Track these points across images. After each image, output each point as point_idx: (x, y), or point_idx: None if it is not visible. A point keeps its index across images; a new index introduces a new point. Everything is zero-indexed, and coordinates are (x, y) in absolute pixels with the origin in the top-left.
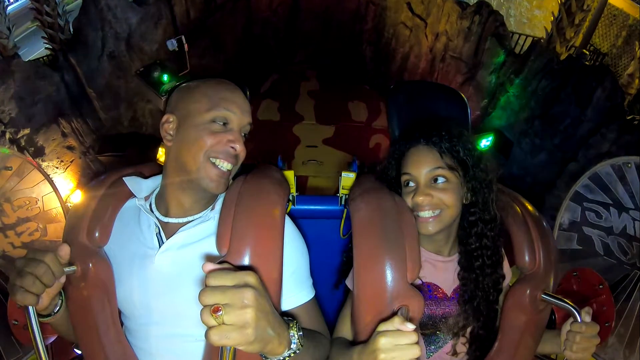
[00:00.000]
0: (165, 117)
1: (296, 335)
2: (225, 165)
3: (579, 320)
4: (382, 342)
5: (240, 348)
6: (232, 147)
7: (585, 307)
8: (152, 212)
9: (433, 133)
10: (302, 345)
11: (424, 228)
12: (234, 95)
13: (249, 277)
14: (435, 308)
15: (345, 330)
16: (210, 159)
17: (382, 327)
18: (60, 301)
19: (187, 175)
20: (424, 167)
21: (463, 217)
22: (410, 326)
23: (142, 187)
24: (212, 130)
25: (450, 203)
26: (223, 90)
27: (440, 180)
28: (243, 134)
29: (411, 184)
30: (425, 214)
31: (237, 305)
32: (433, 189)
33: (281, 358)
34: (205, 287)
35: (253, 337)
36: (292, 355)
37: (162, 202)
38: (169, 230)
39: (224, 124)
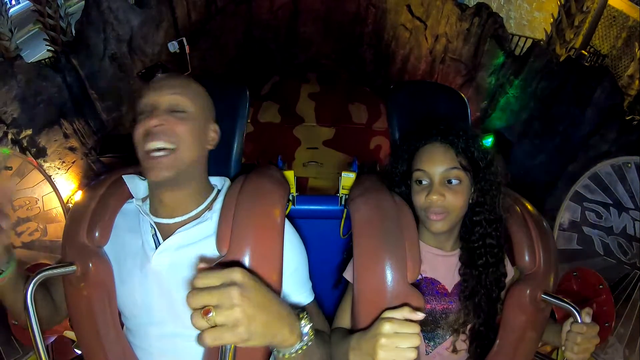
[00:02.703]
0: None
1: (308, 326)
2: (152, 145)
3: (579, 321)
4: (386, 327)
5: (241, 345)
6: (150, 124)
7: (586, 307)
8: (148, 213)
9: (451, 131)
10: (313, 337)
11: (433, 226)
12: (155, 81)
13: (234, 274)
14: (435, 303)
15: (344, 321)
16: (144, 148)
17: (389, 313)
18: (9, 264)
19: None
20: (440, 165)
21: (466, 215)
22: (420, 315)
23: (140, 187)
24: (138, 121)
25: (460, 205)
26: (150, 83)
27: (455, 181)
28: (174, 109)
29: (424, 181)
30: (436, 215)
31: (225, 306)
32: (446, 190)
33: (294, 350)
34: (192, 290)
35: (246, 335)
36: (305, 347)
37: (152, 203)
38: (165, 231)
39: (146, 111)
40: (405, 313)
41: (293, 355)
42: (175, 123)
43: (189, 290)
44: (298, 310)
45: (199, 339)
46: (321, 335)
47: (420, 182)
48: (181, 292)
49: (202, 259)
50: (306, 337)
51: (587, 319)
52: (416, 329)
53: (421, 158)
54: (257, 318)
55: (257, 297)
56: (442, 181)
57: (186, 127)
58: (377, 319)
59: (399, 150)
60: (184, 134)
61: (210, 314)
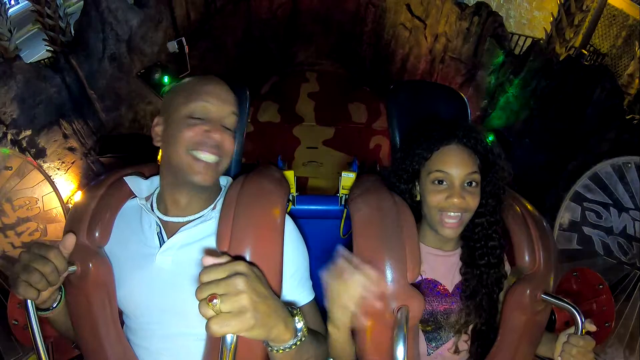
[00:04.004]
0: (155, 120)
1: (301, 322)
2: (206, 157)
3: (579, 321)
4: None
5: (243, 334)
6: (211, 137)
7: (589, 319)
8: (153, 211)
9: (473, 134)
10: (306, 334)
11: (446, 232)
12: (212, 86)
13: (239, 266)
14: (436, 304)
15: None
16: (191, 152)
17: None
18: (59, 296)
19: (175, 173)
20: (463, 168)
21: None
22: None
23: (143, 187)
24: (189, 123)
25: (474, 207)
26: (200, 84)
27: (473, 184)
28: (227, 126)
29: (444, 183)
30: (452, 218)
31: (231, 293)
32: (466, 192)
33: (287, 346)
34: (200, 284)
35: (253, 320)
36: (298, 343)
37: (161, 201)
38: (170, 230)
39: (202, 117)
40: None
41: (287, 350)
42: (227, 140)
43: (198, 285)
44: (291, 307)
45: (206, 328)
46: (316, 335)
47: (440, 182)
48: (184, 289)
49: (208, 251)
50: (300, 334)
51: (592, 328)
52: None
53: (443, 159)
54: (260, 307)
55: (260, 288)
56: (462, 184)
57: (232, 143)
58: (378, 322)
59: (414, 148)
60: (230, 150)
61: (215, 301)
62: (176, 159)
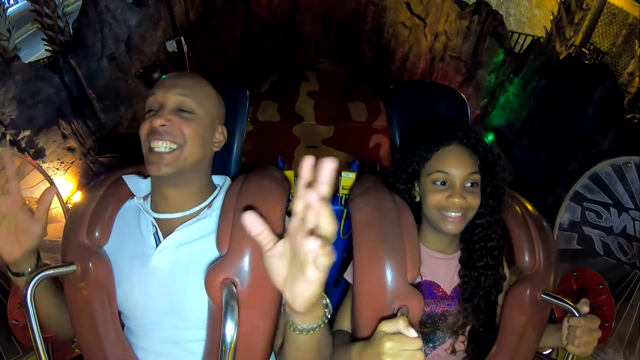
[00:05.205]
0: None
1: (328, 304)
2: (155, 145)
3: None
4: (388, 345)
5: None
6: (154, 124)
7: (582, 298)
8: (148, 210)
9: (473, 135)
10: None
11: (449, 227)
12: (163, 79)
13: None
14: (434, 306)
15: (345, 323)
16: (148, 144)
17: (385, 327)
18: (34, 263)
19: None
20: (464, 168)
21: None
22: (413, 333)
23: (141, 186)
24: (145, 118)
25: (476, 206)
26: (159, 82)
27: (474, 185)
28: (184, 109)
29: (445, 183)
30: (453, 214)
31: None
32: (467, 192)
33: (315, 325)
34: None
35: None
36: (322, 325)
37: (153, 199)
38: (166, 229)
39: (153, 109)
40: (400, 327)
41: (311, 332)
42: (181, 123)
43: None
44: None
45: None
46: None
47: (442, 182)
48: (182, 289)
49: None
50: (327, 310)
51: (585, 308)
52: (419, 344)
53: (443, 160)
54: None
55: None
56: (463, 184)
57: (191, 128)
58: (377, 322)
59: (414, 149)
60: (188, 134)
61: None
62: (144, 154)
